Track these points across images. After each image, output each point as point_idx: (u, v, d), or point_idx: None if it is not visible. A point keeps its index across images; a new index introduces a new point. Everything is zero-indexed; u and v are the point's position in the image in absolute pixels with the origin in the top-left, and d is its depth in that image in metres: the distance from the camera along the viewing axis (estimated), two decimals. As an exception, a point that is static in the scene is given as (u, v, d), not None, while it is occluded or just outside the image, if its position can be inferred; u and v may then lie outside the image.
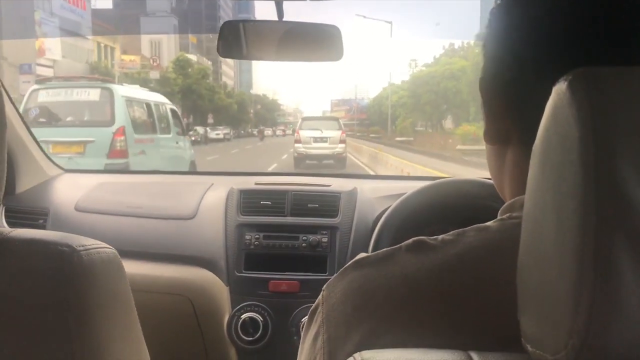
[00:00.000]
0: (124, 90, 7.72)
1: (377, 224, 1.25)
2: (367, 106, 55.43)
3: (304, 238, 1.47)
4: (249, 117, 58.57)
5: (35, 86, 7.65)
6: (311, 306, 0.51)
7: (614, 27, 0.42)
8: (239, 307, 1.43)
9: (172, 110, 9.08)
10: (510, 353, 0.39)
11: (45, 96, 7.38)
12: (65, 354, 0.57)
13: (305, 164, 15.41)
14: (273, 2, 1.13)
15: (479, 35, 0.55)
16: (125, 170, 5.76)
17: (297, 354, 0.53)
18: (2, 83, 1.10)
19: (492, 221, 0.49)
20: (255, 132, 45.29)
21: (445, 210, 1.21)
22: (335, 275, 0.50)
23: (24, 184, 1.66)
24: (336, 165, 15.24)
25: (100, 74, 20.21)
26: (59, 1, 24.89)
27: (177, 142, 8.80)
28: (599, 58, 0.42)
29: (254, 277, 1.45)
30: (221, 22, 1.18)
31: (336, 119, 19.91)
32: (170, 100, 10.47)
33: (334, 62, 1.19)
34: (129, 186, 1.79)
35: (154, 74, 32.06)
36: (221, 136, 33.01)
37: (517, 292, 0.38)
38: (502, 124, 0.50)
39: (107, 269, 0.63)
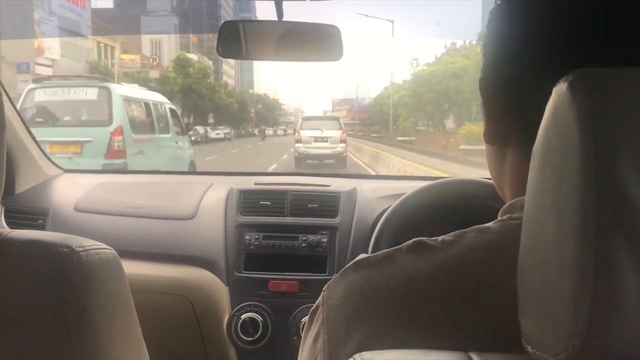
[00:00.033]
0: (122, 90, 7.60)
1: (377, 224, 1.25)
2: (369, 106, 55.52)
3: (303, 238, 1.47)
4: (250, 116, 58.55)
5: (32, 85, 7.51)
6: (311, 306, 0.51)
7: (614, 27, 0.42)
8: (238, 307, 1.43)
9: (171, 110, 9.02)
10: (510, 354, 0.39)
11: (43, 95, 7.27)
12: (65, 354, 0.57)
13: (306, 163, 15.43)
14: (273, 2, 1.13)
15: (481, 35, 0.55)
16: (124, 171, 5.73)
17: (296, 354, 0.53)
18: (1, 83, 1.10)
19: (492, 222, 0.49)
20: (256, 132, 45.21)
21: (445, 210, 1.21)
22: (335, 276, 0.50)
23: (23, 184, 1.66)
24: (337, 165, 15.26)
25: (99, 73, 20.21)
26: (58, 0, 24.85)
27: (176, 142, 8.74)
28: (599, 58, 0.42)
29: (253, 277, 1.45)
30: (222, 22, 1.17)
31: (337, 119, 19.91)
32: (170, 99, 10.44)
33: (334, 62, 1.19)
34: (128, 186, 1.79)
35: (154, 73, 32.04)
36: (222, 136, 32.91)
37: (517, 293, 0.38)
38: (502, 124, 0.50)
39: (107, 269, 0.63)
